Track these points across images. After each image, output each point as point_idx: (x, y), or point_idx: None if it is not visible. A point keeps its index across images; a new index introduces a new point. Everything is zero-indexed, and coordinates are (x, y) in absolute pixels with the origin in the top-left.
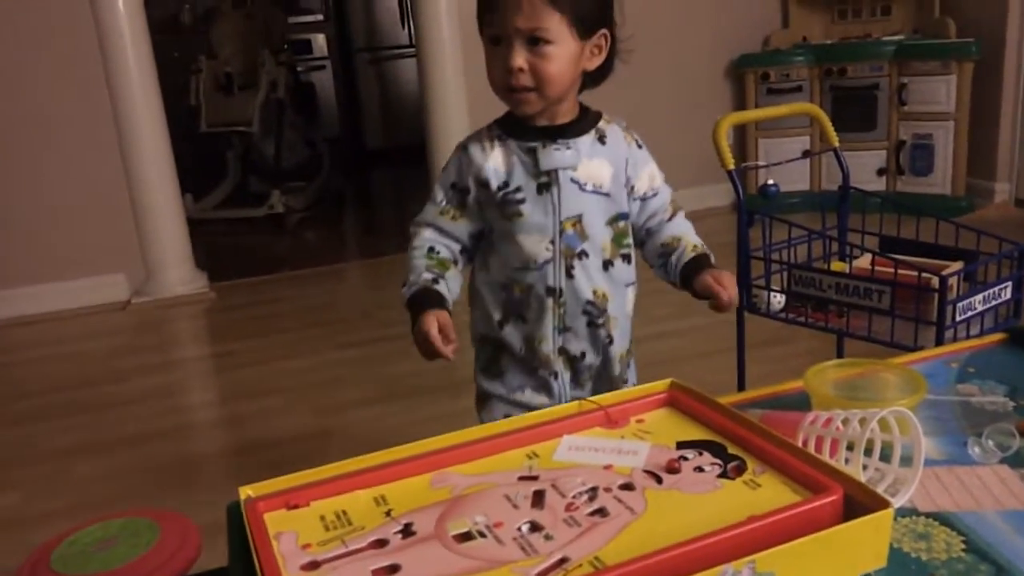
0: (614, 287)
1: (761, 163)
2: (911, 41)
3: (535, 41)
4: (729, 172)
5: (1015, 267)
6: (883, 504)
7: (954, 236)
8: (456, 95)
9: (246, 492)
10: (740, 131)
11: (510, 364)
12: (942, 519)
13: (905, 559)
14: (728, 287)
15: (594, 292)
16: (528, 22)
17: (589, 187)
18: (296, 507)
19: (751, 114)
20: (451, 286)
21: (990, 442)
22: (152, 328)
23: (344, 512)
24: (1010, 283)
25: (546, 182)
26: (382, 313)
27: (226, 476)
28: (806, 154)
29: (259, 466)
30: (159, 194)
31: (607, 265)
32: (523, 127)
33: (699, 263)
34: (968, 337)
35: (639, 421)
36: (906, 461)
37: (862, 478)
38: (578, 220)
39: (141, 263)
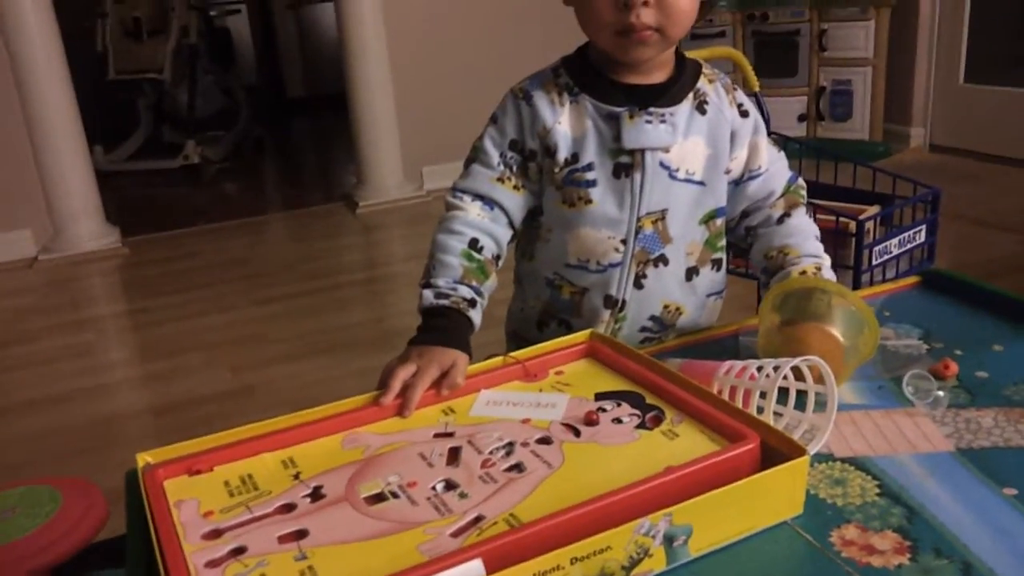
0: (692, 299)
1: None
2: None
3: None
4: None
5: (929, 210)
6: (799, 452)
7: (871, 180)
8: (376, 40)
9: (144, 459)
10: None
11: None
12: (858, 464)
13: (821, 505)
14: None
15: (665, 306)
16: None
17: (681, 174)
18: (199, 472)
19: None
20: (484, 305)
21: (910, 388)
22: (61, 286)
23: (250, 476)
24: (924, 226)
25: (627, 163)
26: (304, 266)
27: (142, 437)
28: None
29: (177, 426)
30: (64, 145)
31: (691, 274)
32: (602, 81)
33: None
34: (884, 281)
35: (558, 373)
36: (821, 407)
37: (777, 426)
38: (661, 217)
39: (48, 218)
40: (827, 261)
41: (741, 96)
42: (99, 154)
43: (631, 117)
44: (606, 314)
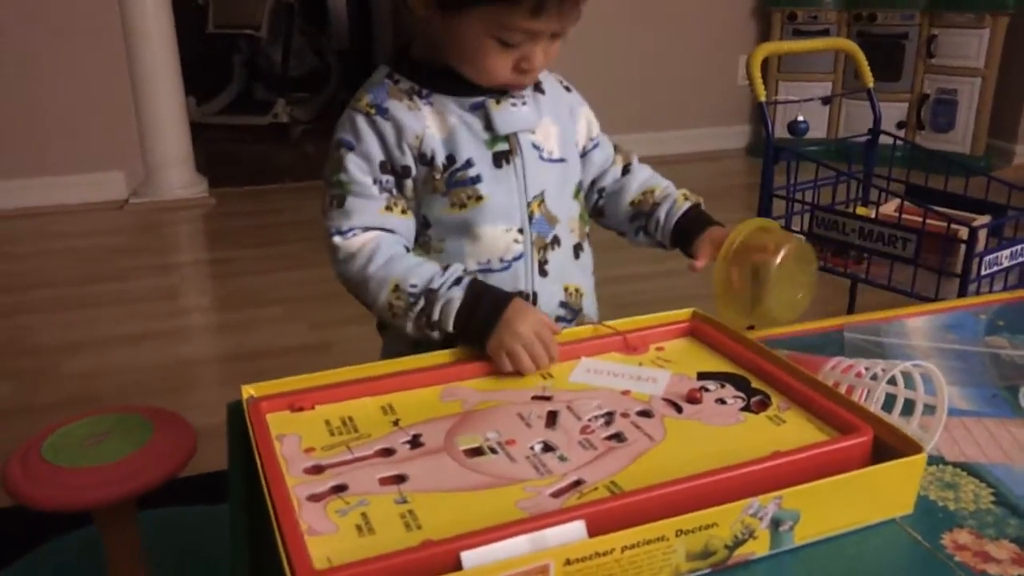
0: (584, 278)
1: (792, 98)
2: None
3: (560, 34)
4: (760, 104)
5: None
6: (915, 448)
7: (982, 191)
8: None
9: (248, 391)
10: (762, 72)
11: None
12: (970, 469)
13: (932, 507)
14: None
15: (566, 289)
16: (576, 18)
17: (546, 154)
18: (301, 410)
19: (786, 45)
20: None
21: None
22: (150, 229)
23: (350, 418)
24: None
25: (505, 150)
26: None
27: (219, 381)
28: (826, 100)
29: (253, 374)
30: (162, 93)
31: (577, 251)
32: (449, 75)
33: (698, 218)
34: (991, 292)
35: (659, 349)
36: (929, 410)
37: None
38: (543, 199)
39: (141, 163)
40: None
41: (559, 76)
42: (192, 105)
43: (497, 103)
44: None
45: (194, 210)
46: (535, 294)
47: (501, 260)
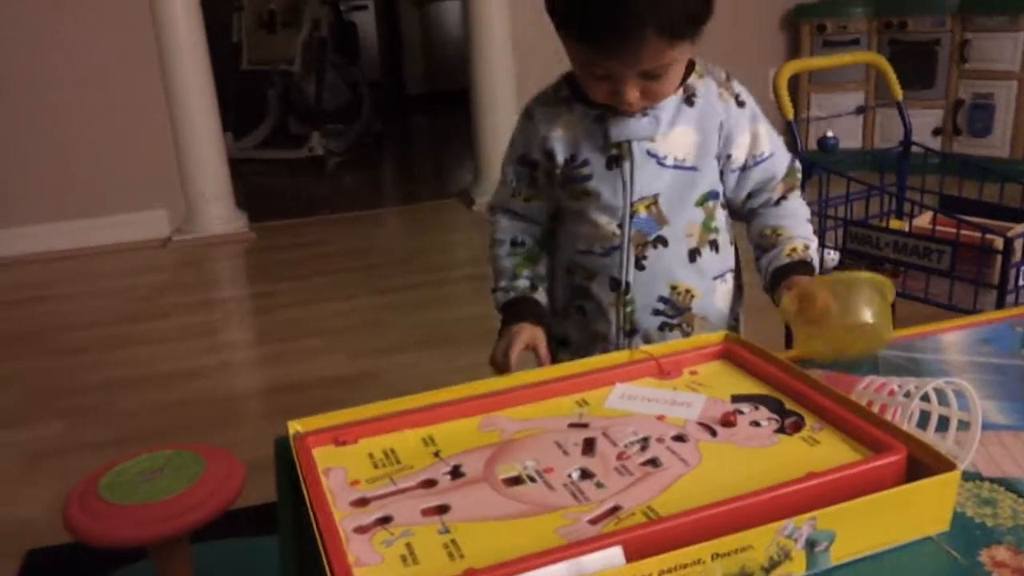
0: (701, 281)
1: (821, 114)
2: None
3: (652, 75)
4: (788, 123)
5: None
6: (948, 466)
7: (1018, 198)
8: (502, 40)
9: (295, 427)
10: (793, 84)
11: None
12: (1008, 485)
13: (969, 524)
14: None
15: (672, 288)
16: (646, 65)
17: (670, 161)
18: (344, 444)
19: (814, 62)
20: (545, 284)
21: None
22: (193, 266)
23: (392, 451)
24: None
25: (616, 155)
26: (420, 259)
27: (265, 415)
28: (860, 110)
29: (297, 406)
30: (201, 131)
31: (694, 255)
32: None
33: (789, 270)
34: None
35: (692, 373)
36: (964, 426)
37: None
38: (654, 201)
39: (182, 200)
40: (814, 243)
41: (738, 87)
42: (229, 141)
43: (615, 114)
44: (612, 296)
45: (235, 245)
46: (628, 284)
47: (601, 247)
